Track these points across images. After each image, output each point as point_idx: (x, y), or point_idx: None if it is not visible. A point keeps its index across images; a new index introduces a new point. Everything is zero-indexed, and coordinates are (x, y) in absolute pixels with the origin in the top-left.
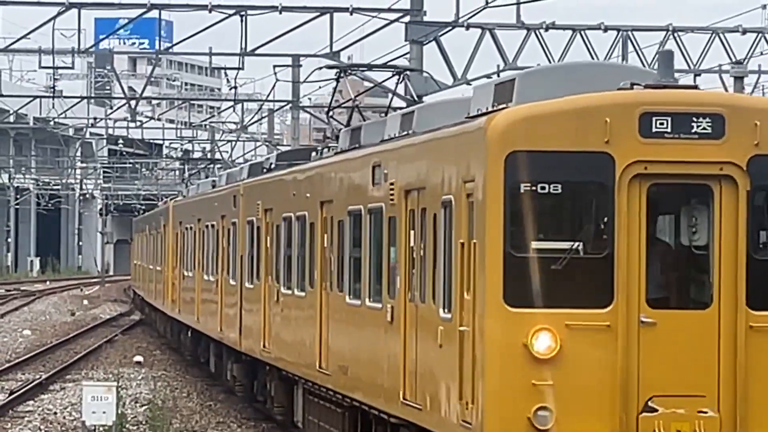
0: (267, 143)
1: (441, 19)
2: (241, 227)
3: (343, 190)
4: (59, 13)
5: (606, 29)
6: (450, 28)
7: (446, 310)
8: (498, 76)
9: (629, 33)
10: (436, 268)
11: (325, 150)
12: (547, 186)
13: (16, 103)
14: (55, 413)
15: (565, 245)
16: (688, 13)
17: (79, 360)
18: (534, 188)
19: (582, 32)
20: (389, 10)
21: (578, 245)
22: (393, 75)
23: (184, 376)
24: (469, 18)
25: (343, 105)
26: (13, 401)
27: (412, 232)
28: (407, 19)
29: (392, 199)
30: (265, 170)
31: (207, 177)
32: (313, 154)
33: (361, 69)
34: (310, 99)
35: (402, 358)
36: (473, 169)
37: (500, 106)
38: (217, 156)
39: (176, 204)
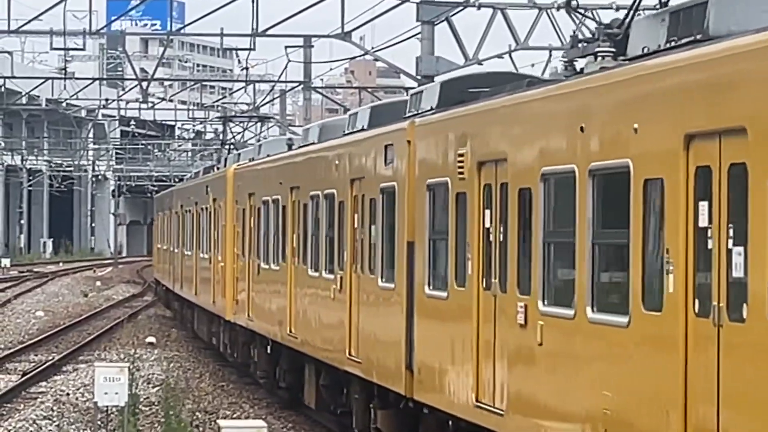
0: (279, 124)
1: None
2: (411, 196)
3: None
4: None
5: (618, 8)
6: (461, 7)
7: None
8: (510, 56)
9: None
10: None
11: (589, 62)
12: None
13: (28, 84)
14: (68, 394)
15: None
16: None
17: (92, 341)
18: None
19: (594, 11)
20: None
21: None
22: None
23: (196, 357)
24: None
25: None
26: (26, 382)
27: None
28: None
29: None
30: (433, 105)
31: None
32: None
33: None
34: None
35: None
36: None
37: None
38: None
39: (241, 170)
